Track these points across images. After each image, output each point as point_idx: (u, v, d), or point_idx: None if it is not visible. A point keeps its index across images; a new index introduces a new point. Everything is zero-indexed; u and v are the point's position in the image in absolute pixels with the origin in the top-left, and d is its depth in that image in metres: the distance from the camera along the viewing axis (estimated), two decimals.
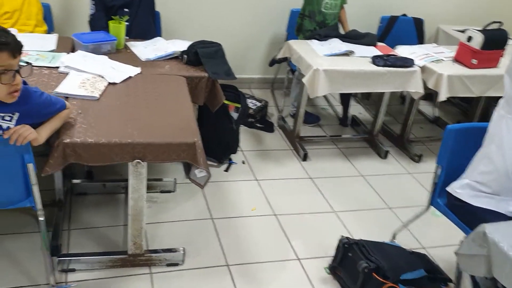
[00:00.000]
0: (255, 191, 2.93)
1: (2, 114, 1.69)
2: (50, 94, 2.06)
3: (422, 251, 2.48)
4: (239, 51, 4.17)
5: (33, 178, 1.80)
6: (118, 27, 2.72)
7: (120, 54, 2.70)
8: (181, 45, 2.75)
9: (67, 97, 2.11)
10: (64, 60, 2.42)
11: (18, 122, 1.71)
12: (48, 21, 3.23)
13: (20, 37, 2.63)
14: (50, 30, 3.24)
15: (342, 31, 3.68)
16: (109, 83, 2.30)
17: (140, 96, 2.24)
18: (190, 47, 2.67)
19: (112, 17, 2.75)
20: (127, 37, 3.00)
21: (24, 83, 1.75)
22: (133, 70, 2.46)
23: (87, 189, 2.66)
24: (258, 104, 3.78)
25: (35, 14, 3.03)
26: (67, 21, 3.62)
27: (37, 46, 2.59)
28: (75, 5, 3.62)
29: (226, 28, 4.03)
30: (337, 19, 3.65)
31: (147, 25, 3.18)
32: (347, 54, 3.21)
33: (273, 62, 3.78)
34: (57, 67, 2.38)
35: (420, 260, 2.34)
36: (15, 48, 1.58)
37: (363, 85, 3.08)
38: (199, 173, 2.00)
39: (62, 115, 1.86)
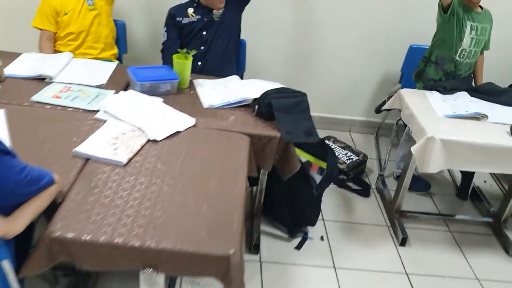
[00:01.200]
0: (328, 282, 2.27)
1: None
2: (69, 152, 1.64)
3: None
4: (340, 88, 3.51)
5: (11, 279, 1.36)
6: (183, 63, 2.24)
7: (181, 95, 2.23)
8: (257, 90, 2.19)
9: (88, 158, 1.67)
10: (106, 102, 1.99)
11: None
12: (121, 43, 2.86)
13: (72, 63, 2.34)
14: (122, 53, 2.87)
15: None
16: (149, 140, 1.82)
17: (178, 164, 1.71)
18: (263, 95, 2.11)
19: (178, 50, 2.28)
20: (200, 63, 2.55)
21: (2, 152, 1.29)
22: (185, 123, 1.95)
23: None
24: (355, 158, 3.09)
25: (104, 36, 2.65)
26: (146, 44, 3.21)
27: (83, 78, 2.19)
28: (157, 23, 2.98)
29: (326, 62, 3.38)
30: (472, 69, 2.85)
31: (225, 53, 2.66)
32: (477, 117, 2.41)
33: (380, 109, 3.07)
34: (96, 111, 1.96)
35: None
36: None
37: (494, 164, 2.26)
38: None
39: (48, 192, 1.39)
